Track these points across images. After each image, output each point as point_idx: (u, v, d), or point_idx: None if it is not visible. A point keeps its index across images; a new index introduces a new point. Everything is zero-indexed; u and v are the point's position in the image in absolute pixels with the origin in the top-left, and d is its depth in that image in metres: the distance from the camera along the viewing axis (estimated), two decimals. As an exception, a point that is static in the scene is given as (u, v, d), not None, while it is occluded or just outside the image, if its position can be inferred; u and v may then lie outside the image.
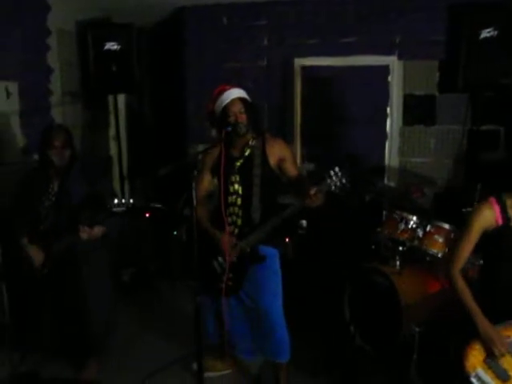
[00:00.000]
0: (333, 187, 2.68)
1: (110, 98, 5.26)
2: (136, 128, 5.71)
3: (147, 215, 4.31)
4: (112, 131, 5.43)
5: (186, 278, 4.44)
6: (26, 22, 4.20)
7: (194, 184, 2.22)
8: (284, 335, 2.98)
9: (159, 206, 4.24)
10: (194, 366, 3.00)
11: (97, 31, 4.79)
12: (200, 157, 2.33)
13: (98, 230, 3.16)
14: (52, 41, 4.59)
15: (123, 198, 2.55)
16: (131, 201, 2.49)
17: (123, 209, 2.63)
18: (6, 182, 3.06)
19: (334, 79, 4.92)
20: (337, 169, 2.69)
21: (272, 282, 2.95)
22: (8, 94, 4.04)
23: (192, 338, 2.62)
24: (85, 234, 3.10)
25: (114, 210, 2.68)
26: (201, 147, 4.58)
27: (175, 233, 4.65)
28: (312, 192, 2.64)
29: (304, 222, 4.19)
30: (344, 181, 2.67)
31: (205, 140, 4.83)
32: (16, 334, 3.12)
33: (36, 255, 3.22)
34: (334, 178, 2.68)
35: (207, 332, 3.15)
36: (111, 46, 4.74)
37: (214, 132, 3.22)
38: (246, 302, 3.01)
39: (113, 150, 5.43)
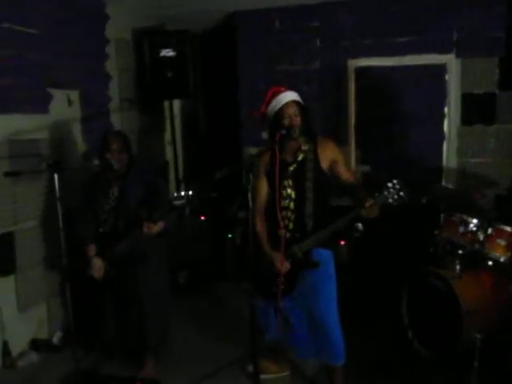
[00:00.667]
0: (390, 200, 2.64)
1: (166, 104, 5.39)
2: (191, 132, 5.81)
3: (202, 218, 4.37)
4: (168, 136, 5.55)
5: (240, 280, 4.49)
6: (86, 31, 4.36)
7: (249, 187, 2.23)
8: (339, 338, 2.95)
9: (215, 195, 4.27)
10: (250, 368, 3.01)
11: (152, 39, 4.93)
12: (255, 160, 2.33)
13: (159, 225, 3.25)
14: (110, 49, 4.73)
15: (184, 190, 2.59)
16: (190, 192, 2.53)
17: (183, 201, 2.68)
18: (68, 186, 3.18)
19: (389, 80, 4.84)
20: (395, 181, 2.64)
21: (327, 285, 2.94)
22: (70, 102, 4.20)
23: (247, 340, 2.63)
24: (148, 229, 3.18)
25: (175, 203, 2.74)
26: (254, 150, 4.61)
27: (230, 236, 4.70)
28: (368, 204, 2.61)
29: (360, 225, 4.14)
30: (402, 193, 2.62)
31: (259, 143, 4.86)
32: (79, 332, 3.22)
33: (97, 270, 3.34)
34: (391, 190, 2.63)
35: (262, 334, 3.16)
36: (166, 52, 4.86)
37: (265, 134, 3.22)
38: (301, 304, 3.00)
39: (169, 155, 5.54)
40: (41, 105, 3.89)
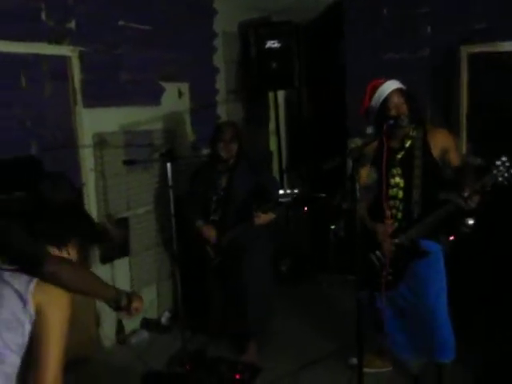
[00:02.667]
0: (500, 178, 2.49)
1: (270, 95, 5.44)
2: (295, 123, 5.83)
3: (306, 209, 4.39)
4: (272, 126, 5.61)
5: (343, 271, 4.45)
6: (195, 26, 4.51)
7: (356, 178, 2.21)
8: (449, 334, 2.86)
9: (323, 195, 4.28)
10: (353, 360, 3.00)
11: (258, 31, 4.99)
12: (362, 150, 2.30)
13: (270, 216, 3.34)
14: (218, 42, 4.87)
15: (290, 188, 2.63)
16: (296, 191, 2.57)
17: (289, 199, 2.73)
18: (178, 175, 3.34)
19: (506, 66, 4.53)
20: (504, 158, 2.49)
21: (437, 280, 2.85)
22: (180, 94, 4.38)
23: (348, 332, 2.62)
24: (259, 219, 3.29)
25: (281, 200, 2.80)
26: (360, 141, 4.53)
27: (333, 227, 4.67)
28: (466, 194, 2.49)
29: (470, 220, 3.93)
30: None
31: (364, 134, 4.77)
32: (186, 314, 3.38)
33: (211, 234, 3.49)
34: (501, 168, 2.49)
35: (369, 328, 3.11)
36: (272, 44, 4.90)
37: (370, 129, 3.16)
38: (409, 297, 2.93)
39: (272, 145, 5.61)
40: (154, 97, 4.11)
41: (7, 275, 1.60)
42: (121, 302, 1.77)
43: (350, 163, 2.42)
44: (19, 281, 1.58)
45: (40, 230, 1.70)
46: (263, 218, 3.29)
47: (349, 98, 5.18)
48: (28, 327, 1.56)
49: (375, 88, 2.86)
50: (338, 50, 5.25)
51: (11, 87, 3.17)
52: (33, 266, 1.60)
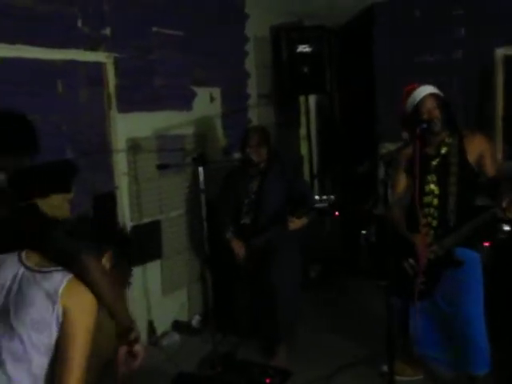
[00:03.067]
0: None
1: (302, 99, 5.44)
2: (326, 127, 5.81)
3: (337, 213, 4.36)
4: (303, 131, 5.61)
5: (374, 277, 4.40)
6: (227, 31, 4.55)
7: (389, 183, 2.19)
8: (485, 346, 2.79)
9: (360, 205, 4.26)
10: (384, 368, 2.96)
11: (290, 35, 4.99)
12: (396, 155, 2.28)
13: (304, 221, 3.34)
14: (249, 47, 4.89)
15: (325, 194, 2.64)
16: (332, 197, 2.57)
17: (325, 205, 2.73)
18: (210, 178, 3.37)
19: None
20: None
21: (473, 289, 2.79)
22: (212, 99, 4.42)
23: (378, 339, 2.59)
24: (294, 224, 3.30)
25: (317, 205, 2.80)
26: (391, 146, 4.48)
27: (364, 232, 4.63)
28: (504, 205, 2.44)
29: (506, 226, 3.84)
30: None
31: (395, 139, 4.72)
32: (218, 316, 3.40)
33: (239, 250, 3.51)
34: None
35: (400, 336, 3.07)
36: (303, 48, 4.90)
37: (405, 135, 3.14)
38: (443, 307, 2.88)
39: (303, 150, 5.60)
40: (186, 102, 4.16)
41: (39, 277, 1.64)
42: (130, 334, 1.78)
43: (382, 168, 2.40)
44: (49, 282, 1.62)
45: (82, 238, 1.76)
46: (297, 224, 3.30)
47: (379, 103, 5.14)
48: (55, 328, 1.59)
49: (409, 92, 2.85)
50: (369, 54, 5.22)
51: (48, 93, 3.25)
52: (70, 256, 1.64)
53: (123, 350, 1.79)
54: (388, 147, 4.81)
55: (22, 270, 1.67)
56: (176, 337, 4.01)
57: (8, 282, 1.66)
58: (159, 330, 3.99)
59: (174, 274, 4.10)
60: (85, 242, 1.76)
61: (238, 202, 3.58)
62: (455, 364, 2.98)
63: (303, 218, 3.31)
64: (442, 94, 2.83)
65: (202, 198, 3.20)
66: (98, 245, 1.79)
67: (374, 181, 4.95)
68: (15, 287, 1.64)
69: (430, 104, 2.76)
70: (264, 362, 3.54)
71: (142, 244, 3.80)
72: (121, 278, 1.88)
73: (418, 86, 2.84)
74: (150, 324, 3.92)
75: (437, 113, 2.75)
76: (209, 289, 3.34)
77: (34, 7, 3.08)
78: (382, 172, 2.36)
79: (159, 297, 4.00)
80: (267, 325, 3.56)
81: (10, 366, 1.57)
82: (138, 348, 1.79)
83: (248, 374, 3.35)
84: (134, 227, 3.75)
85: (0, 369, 1.58)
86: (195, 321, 4.19)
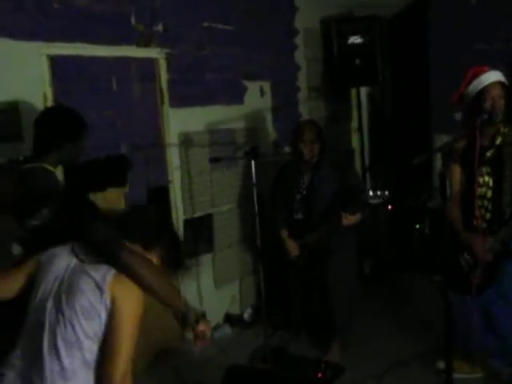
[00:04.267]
0: None
1: (353, 91, 5.36)
2: (377, 120, 5.70)
3: (390, 208, 4.27)
4: (354, 124, 5.53)
5: (429, 272, 4.29)
6: (277, 24, 4.53)
7: (447, 175, 2.12)
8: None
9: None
10: (441, 364, 2.89)
11: (340, 26, 4.92)
12: (453, 146, 2.20)
13: (358, 217, 3.27)
14: (299, 40, 4.85)
15: (378, 190, 2.58)
16: (386, 193, 2.50)
17: (380, 201, 2.67)
18: (261, 172, 3.36)
19: None
20: None
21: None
22: (262, 93, 4.42)
23: (434, 335, 2.52)
24: (347, 220, 3.23)
25: (371, 201, 2.74)
26: (446, 137, 4.35)
27: (418, 226, 4.52)
28: None
29: None
30: None
31: (451, 129, 4.57)
32: (270, 310, 3.41)
33: (292, 249, 3.49)
34: None
35: (457, 333, 2.99)
36: (355, 39, 4.82)
37: (458, 115, 3.01)
38: (499, 302, 2.78)
39: (355, 143, 5.52)
40: (237, 96, 4.17)
41: (88, 267, 1.69)
42: (188, 318, 1.80)
43: (438, 160, 2.34)
44: (98, 272, 1.67)
45: (131, 230, 1.79)
46: (351, 220, 3.23)
47: (434, 93, 4.99)
48: (104, 317, 1.64)
49: (476, 75, 2.72)
50: (423, 43, 5.07)
51: (103, 89, 3.34)
52: (109, 253, 1.68)
53: (191, 334, 1.83)
54: (443, 139, 4.67)
55: (74, 260, 1.73)
56: (228, 330, 4.04)
57: (61, 273, 1.72)
58: (211, 323, 4.03)
59: (226, 267, 4.13)
60: (130, 236, 1.78)
61: (290, 198, 3.54)
62: (509, 361, 2.88)
63: (357, 214, 3.23)
64: (508, 83, 2.71)
65: (254, 191, 3.20)
66: (146, 241, 1.81)
67: (428, 173, 4.82)
68: (67, 277, 1.70)
69: (496, 92, 2.65)
70: (316, 356, 3.52)
71: (195, 237, 3.85)
72: (169, 272, 1.90)
73: (488, 70, 2.72)
74: (203, 316, 3.96)
75: (501, 103, 2.63)
76: (261, 282, 3.34)
77: (90, 6, 3.17)
78: (439, 164, 2.29)
79: (211, 290, 4.04)
80: (322, 320, 3.53)
81: (64, 353, 1.63)
82: (201, 327, 1.81)
83: (300, 368, 3.35)
84: (187, 221, 3.80)
85: (55, 356, 1.64)
86: (247, 314, 4.21)
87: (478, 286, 2.77)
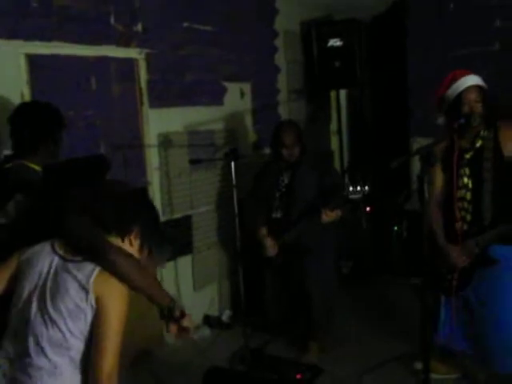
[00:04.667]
0: None
1: (333, 94, 5.40)
2: (357, 122, 5.76)
3: (368, 209, 4.32)
4: (333, 126, 5.57)
5: (406, 274, 4.35)
6: (257, 25, 4.54)
7: (425, 178, 2.15)
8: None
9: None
10: (418, 365, 2.92)
11: (320, 29, 4.95)
12: (432, 149, 2.23)
13: (337, 213, 3.26)
14: (279, 42, 4.87)
15: (360, 185, 2.58)
16: (366, 188, 2.52)
17: (359, 196, 2.68)
18: (240, 173, 3.36)
19: None
20: None
21: (508, 290, 2.71)
22: (242, 95, 4.42)
23: (411, 336, 2.55)
24: (327, 216, 3.22)
25: (351, 197, 2.75)
26: (424, 141, 4.40)
27: (396, 228, 4.57)
28: None
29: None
30: None
31: (429, 132, 4.64)
32: (248, 311, 3.41)
33: (271, 248, 3.48)
34: None
35: (432, 333, 3.03)
36: (334, 42, 4.86)
37: (440, 120, 3.06)
38: (475, 305, 2.82)
39: (334, 145, 5.57)
40: (217, 97, 4.17)
41: (71, 266, 1.67)
42: (174, 312, 1.78)
43: (416, 163, 2.36)
44: (82, 272, 1.65)
45: (103, 217, 1.73)
46: (330, 216, 3.22)
47: (412, 97, 5.06)
48: (90, 316, 1.63)
49: (455, 78, 2.75)
50: (401, 47, 5.14)
51: (82, 89, 3.31)
52: (93, 253, 1.66)
53: (173, 327, 1.80)
54: (421, 142, 4.73)
55: (56, 258, 1.71)
56: (207, 331, 4.03)
57: (44, 271, 1.70)
58: (190, 325, 4.01)
59: (205, 269, 4.12)
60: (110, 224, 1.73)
61: (269, 196, 3.54)
62: (488, 362, 2.92)
63: (337, 210, 3.22)
64: (486, 87, 2.75)
65: (234, 193, 3.20)
66: (124, 222, 1.76)
67: (406, 176, 4.88)
68: (50, 276, 1.68)
69: (474, 96, 2.68)
70: (294, 358, 3.53)
71: (174, 239, 3.83)
72: (153, 257, 1.87)
73: (466, 74, 2.75)
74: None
75: (478, 107, 2.67)
76: (240, 284, 3.34)
77: (70, 5, 3.13)
78: (417, 167, 2.32)
79: (190, 291, 4.02)
80: (300, 321, 3.55)
81: (50, 352, 1.62)
82: (185, 323, 1.80)
83: (279, 370, 3.36)
84: (166, 222, 3.78)
85: (42, 355, 1.62)
86: (225, 316, 4.20)
87: (456, 286, 2.81)
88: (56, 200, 1.82)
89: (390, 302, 4.40)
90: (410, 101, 5.06)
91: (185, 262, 3.97)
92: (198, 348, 3.76)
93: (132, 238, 1.77)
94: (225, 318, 4.19)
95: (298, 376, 3.26)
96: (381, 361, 3.39)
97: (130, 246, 1.78)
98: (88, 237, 1.70)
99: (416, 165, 4.61)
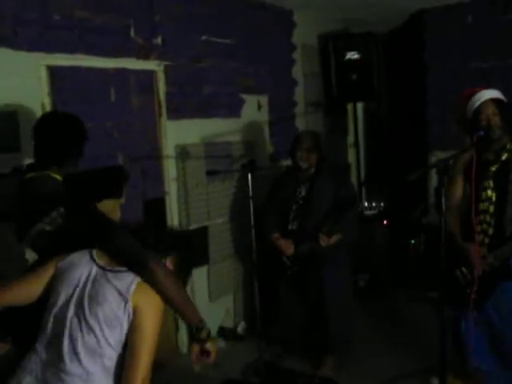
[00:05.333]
0: None
1: (350, 107, 5.40)
2: (374, 135, 5.74)
3: (385, 223, 4.29)
4: (350, 138, 5.57)
5: (423, 288, 4.30)
6: (275, 38, 4.57)
7: (443, 191, 2.13)
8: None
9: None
10: (435, 381, 2.88)
11: (337, 42, 4.98)
12: (451, 162, 2.22)
13: (335, 238, 3.30)
14: (297, 55, 4.89)
15: (375, 201, 2.58)
16: (382, 204, 2.52)
17: (375, 212, 2.68)
18: (257, 185, 3.37)
19: None
20: None
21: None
22: (259, 107, 4.44)
23: (429, 351, 2.51)
24: (324, 242, 3.29)
25: (366, 213, 2.75)
26: (441, 154, 4.38)
27: (413, 242, 4.53)
28: None
29: None
30: None
31: (446, 147, 4.61)
32: (264, 324, 3.39)
33: (287, 248, 3.47)
34: None
35: (453, 349, 2.98)
36: (351, 55, 4.88)
37: (468, 139, 3.06)
38: (496, 320, 2.77)
39: (351, 157, 5.56)
40: (234, 110, 4.20)
41: (111, 276, 1.71)
42: (201, 333, 1.81)
43: (433, 176, 2.35)
44: (121, 281, 1.68)
45: (147, 242, 1.81)
46: (327, 241, 3.28)
47: (431, 110, 5.04)
48: (126, 325, 1.66)
49: (469, 97, 2.77)
50: (419, 61, 5.13)
51: (101, 100, 3.35)
52: (137, 262, 1.70)
53: (196, 347, 1.83)
54: (438, 156, 4.71)
55: (94, 268, 1.75)
56: (221, 343, 4.02)
57: (83, 279, 1.73)
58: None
59: (221, 280, 4.12)
60: (150, 245, 1.80)
61: (286, 207, 3.54)
62: (507, 381, 2.86)
63: (334, 236, 3.29)
64: (504, 99, 2.74)
65: (251, 204, 3.21)
66: (164, 249, 1.84)
67: (423, 190, 4.84)
68: (89, 284, 1.71)
69: (490, 110, 2.68)
70: (309, 371, 3.50)
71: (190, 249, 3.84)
72: (183, 279, 1.91)
73: (479, 90, 2.76)
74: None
75: (496, 120, 2.66)
76: (255, 296, 3.33)
77: (91, 18, 3.18)
78: (434, 180, 2.31)
79: (206, 302, 4.02)
80: (317, 335, 3.52)
81: (85, 359, 1.64)
82: (208, 346, 1.82)
83: (293, 383, 3.33)
84: (182, 233, 3.79)
85: (75, 361, 1.64)
86: (241, 327, 4.19)
87: (474, 302, 2.77)
88: (83, 213, 1.86)
89: (406, 316, 4.35)
90: (428, 114, 5.04)
91: (201, 273, 3.97)
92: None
93: (168, 263, 1.83)
94: (240, 329, 4.18)
95: (313, 390, 3.23)
96: (396, 376, 3.35)
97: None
98: (134, 250, 1.75)
99: (433, 178, 4.59)
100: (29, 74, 2.92)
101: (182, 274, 1.89)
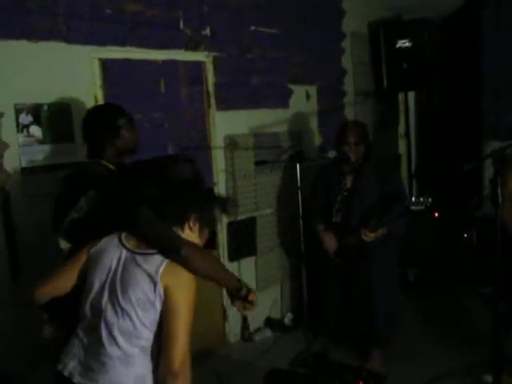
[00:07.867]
0: None
1: (400, 96, 5.28)
2: (425, 125, 5.59)
3: (436, 215, 4.17)
4: (401, 129, 5.44)
5: (476, 283, 4.18)
6: (323, 27, 4.51)
7: (499, 181, 2.05)
8: None
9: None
10: (487, 378, 2.79)
11: (388, 30, 4.86)
12: (509, 151, 2.13)
13: (379, 233, 3.21)
14: (346, 43, 4.81)
15: (422, 196, 2.51)
16: (430, 200, 2.43)
17: (422, 208, 2.60)
18: (305, 176, 3.34)
19: None
20: None
21: None
22: (308, 97, 4.40)
23: (481, 347, 2.44)
24: (367, 237, 3.21)
25: (413, 208, 2.68)
26: (498, 144, 4.21)
27: (465, 235, 4.40)
28: None
29: None
30: None
31: (504, 136, 4.43)
32: (311, 315, 3.38)
33: (329, 243, 3.45)
34: None
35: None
36: (403, 43, 4.76)
37: None
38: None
39: (401, 148, 5.44)
40: (283, 100, 4.18)
41: (139, 258, 1.72)
42: (241, 292, 1.89)
43: (488, 167, 2.26)
44: (150, 264, 1.70)
45: (166, 214, 1.77)
46: (370, 236, 3.19)
47: (487, 98, 4.85)
48: (158, 306, 1.68)
49: None
50: (474, 47, 4.94)
51: (151, 92, 3.40)
52: (166, 248, 1.71)
53: (239, 303, 1.93)
54: (494, 146, 4.53)
55: (124, 251, 1.77)
56: (268, 333, 4.04)
57: (114, 263, 1.76)
58: (252, 326, 4.04)
59: (268, 271, 4.13)
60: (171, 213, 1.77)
61: (331, 199, 3.50)
62: None
63: (377, 231, 3.18)
64: None
65: (299, 195, 3.19)
66: (183, 215, 1.79)
67: (478, 181, 4.68)
68: (120, 269, 1.74)
69: None
70: (356, 364, 3.46)
71: (238, 240, 3.87)
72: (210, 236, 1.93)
73: None
74: (244, 319, 3.98)
75: None
76: (303, 287, 3.31)
77: (142, 11, 3.23)
78: (490, 171, 2.22)
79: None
80: (361, 328, 3.48)
81: (122, 342, 1.68)
82: (252, 297, 1.91)
83: (340, 375, 3.31)
84: (230, 223, 3.82)
85: (114, 344, 1.69)
86: (288, 318, 4.19)
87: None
88: (125, 195, 1.88)
89: (458, 311, 4.23)
90: (484, 103, 4.86)
91: (248, 263, 4.00)
92: (260, 349, 3.77)
93: (191, 223, 1.81)
94: (287, 321, 4.18)
95: (360, 383, 3.20)
96: (446, 371, 3.27)
97: (190, 231, 1.82)
98: (161, 233, 1.75)
99: (489, 169, 4.42)
100: (82, 67, 3.00)
101: (208, 228, 1.89)
